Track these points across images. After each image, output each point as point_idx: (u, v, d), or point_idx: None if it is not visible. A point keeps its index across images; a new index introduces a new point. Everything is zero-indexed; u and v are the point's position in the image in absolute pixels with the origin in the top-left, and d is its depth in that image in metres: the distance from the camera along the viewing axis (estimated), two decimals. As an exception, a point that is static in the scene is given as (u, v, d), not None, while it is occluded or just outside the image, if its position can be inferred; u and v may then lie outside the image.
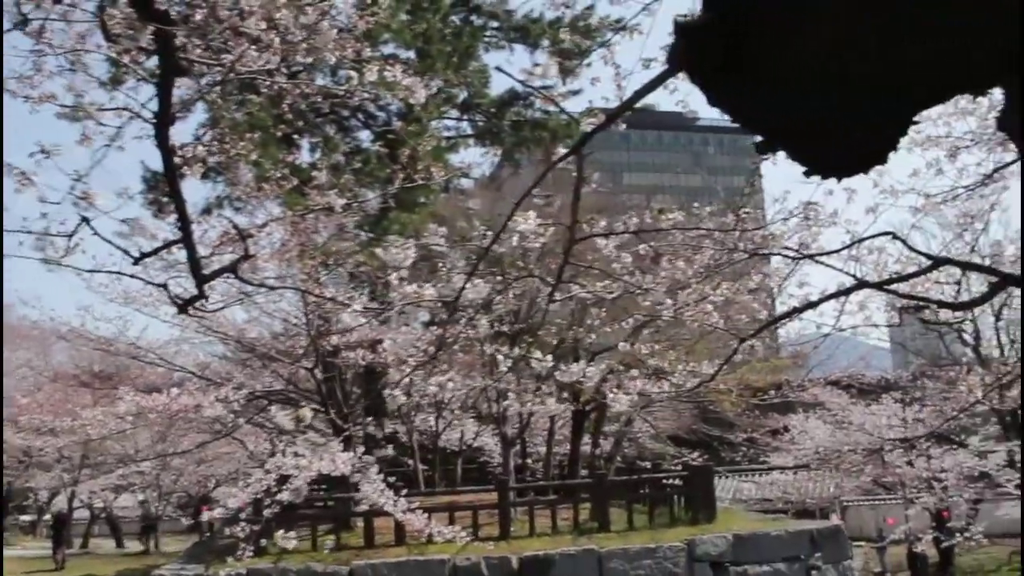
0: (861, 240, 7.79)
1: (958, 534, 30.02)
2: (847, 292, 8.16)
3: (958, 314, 9.42)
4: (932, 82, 1.80)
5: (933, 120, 8.22)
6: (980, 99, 7.08)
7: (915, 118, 2.07)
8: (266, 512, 14.85)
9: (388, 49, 22.49)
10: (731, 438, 32.48)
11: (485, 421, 29.51)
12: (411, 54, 22.86)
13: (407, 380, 21.83)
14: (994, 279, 7.85)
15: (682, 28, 1.90)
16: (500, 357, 15.49)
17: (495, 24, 25.13)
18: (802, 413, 34.09)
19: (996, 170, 7.13)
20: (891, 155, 1.99)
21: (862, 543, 35.66)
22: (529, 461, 29.27)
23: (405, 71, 8.15)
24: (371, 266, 15.94)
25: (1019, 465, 31.70)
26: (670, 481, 19.82)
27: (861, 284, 8.12)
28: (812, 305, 8.14)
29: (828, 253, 7.95)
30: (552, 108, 27.02)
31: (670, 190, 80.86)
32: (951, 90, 1.91)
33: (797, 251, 8.22)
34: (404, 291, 8.12)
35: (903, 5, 1.67)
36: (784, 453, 34.94)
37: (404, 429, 31.22)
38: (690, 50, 1.89)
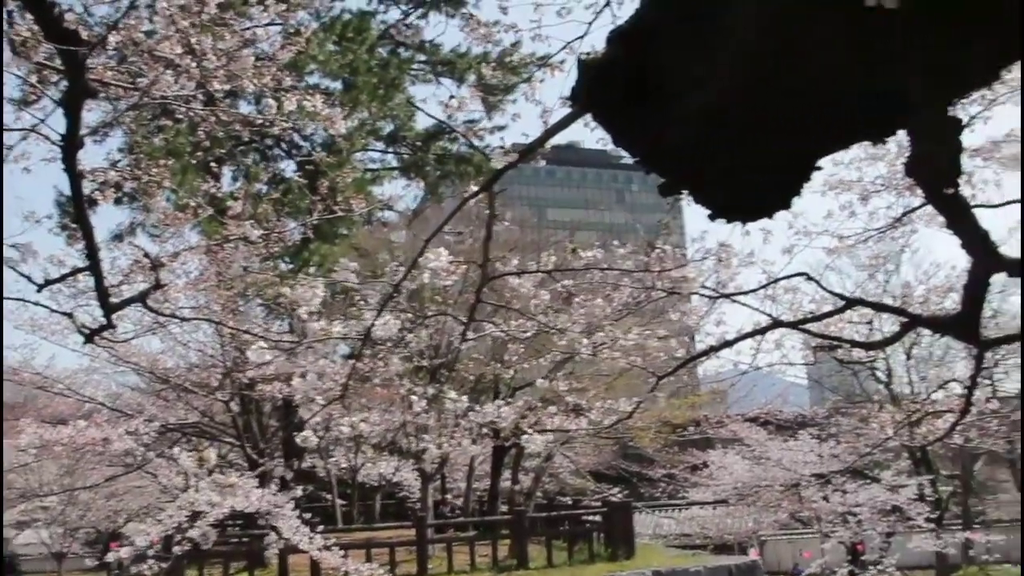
0: (776, 280, 7.90)
1: (872, 567, 30.63)
2: (762, 331, 8.25)
3: (871, 353, 9.63)
4: (832, 128, 1.80)
5: (846, 164, 8.41)
6: (889, 145, 7.26)
7: (821, 164, 2.07)
8: (176, 549, 14.42)
9: (314, 79, 22.35)
10: (650, 474, 32.62)
11: (405, 456, 29.20)
12: (338, 85, 22.74)
13: (324, 415, 21.54)
14: (904, 319, 8.02)
15: (585, 66, 1.87)
16: (416, 394, 15.43)
17: (422, 58, 25.16)
18: (721, 449, 34.45)
19: (905, 214, 7.30)
20: (795, 200, 1.98)
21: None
22: (449, 496, 28.98)
23: (326, 101, 8.08)
24: (287, 298, 15.73)
25: (929, 499, 32.51)
26: (590, 517, 19.78)
27: (776, 324, 8.22)
28: (728, 344, 8.21)
29: (744, 293, 8.04)
30: (477, 143, 27.16)
31: (593, 226, 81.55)
32: (850, 136, 1.92)
33: (714, 290, 8.30)
34: (312, 327, 7.98)
35: (799, 53, 1.66)
36: (703, 488, 35.21)
37: (323, 464, 30.75)
38: (593, 89, 1.86)
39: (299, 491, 20.35)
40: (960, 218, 6.14)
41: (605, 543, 18.41)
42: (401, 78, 23.75)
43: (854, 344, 8.74)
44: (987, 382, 34.20)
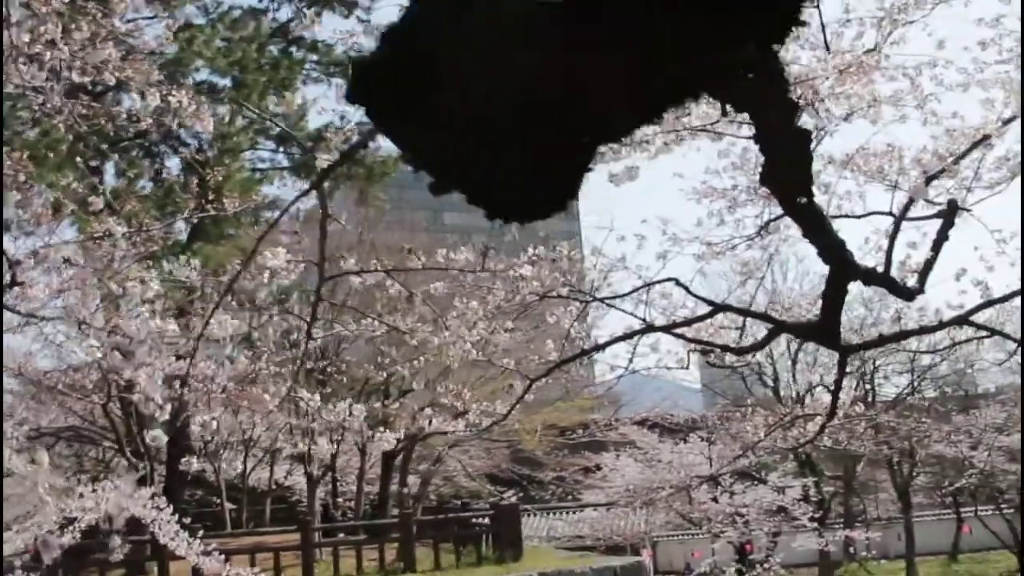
0: (647, 285, 8.01)
1: (759, 565, 31.42)
2: (634, 335, 8.37)
3: (743, 357, 9.84)
4: (596, 127, 1.80)
5: (719, 172, 8.55)
6: (750, 154, 7.42)
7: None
8: (46, 558, 13.87)
9: (203, 76, 21.83)
10: (541, 477, 32.80)
11: (295, 460, 28.80)
12: (227, 82, 22.23)
13: (208, 416, 20.98)
14: (770, 325, 8.23)
15: (357, 65, 1.84)
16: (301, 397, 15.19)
17: (314, 58, 24.80)
18: (614, 451, 34.89)
19: (768, 223, 7.49)
20: (571, 201, 1.98)
21: (671, 576, 36.77)
22: (341, 500, 28.64)
23: (213, 99, 7.90)
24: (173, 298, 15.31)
25: (813, 499, 33.51)
26: (478, 520, 19.77)
27: (648, 328, 8.35)
28: (599, 348, 8.31)
29: (615, 297, 8.13)
30: (370, 144, 26.91)
31: (493, 230, 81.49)
32: (617, 134, 1.93)
33: (588, 294, 8.37)
34: (149, 327, 7.79)
35: (557, 60, 1.66)
36: (596, 490, 35.58)
37: (212, 468, 30.08)
38: (364, 88, 1.83)
39: (156, 491, 19.83)
40: (815, 227, 6.32)
41: (493, 546, 18.43)
42: (293, 78, 23.35)
43: (724, 348, 8.92)
44: (868, 387, 35.51)
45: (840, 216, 8.41)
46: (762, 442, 16.62)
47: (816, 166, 7.95)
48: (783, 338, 31.43)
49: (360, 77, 1.83)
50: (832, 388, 8.96)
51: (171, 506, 16.51)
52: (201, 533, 15.31)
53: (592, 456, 35.78)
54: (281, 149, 27.58)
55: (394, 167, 29.23)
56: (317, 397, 8.93)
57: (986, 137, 7.11)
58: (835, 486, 37.12)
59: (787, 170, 5.14)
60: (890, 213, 7.51)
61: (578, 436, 29.61)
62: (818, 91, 5.44)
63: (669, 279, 7.92)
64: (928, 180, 7.17)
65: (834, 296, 6.97)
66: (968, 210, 7.45)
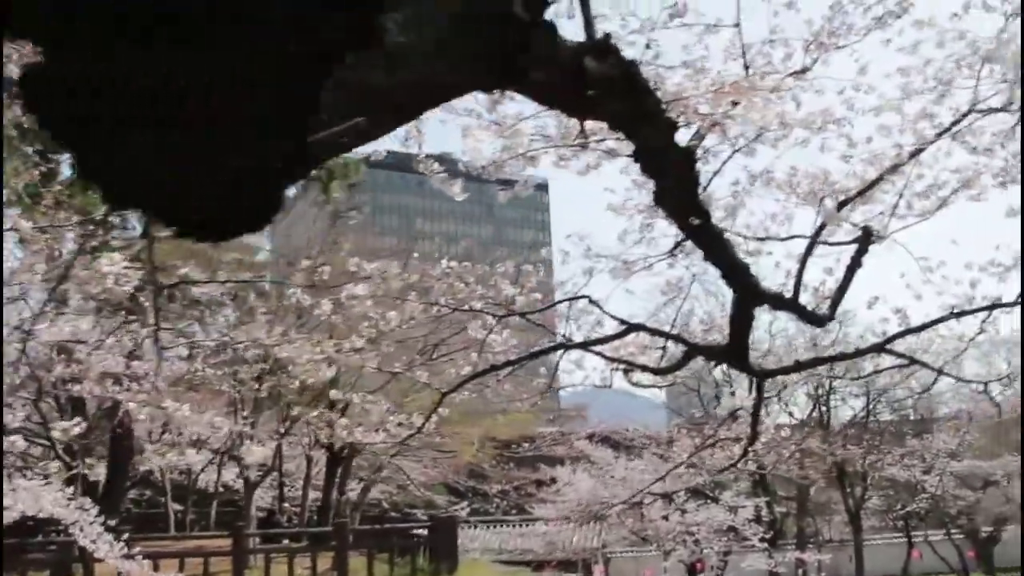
0: (559, 303, 7.86)
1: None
2: (548, 351, 8.23)
3: (661, 378, 9.66)
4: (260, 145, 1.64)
5: (640, 187, 8.41)
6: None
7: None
8: (-38, 558, 13.56)
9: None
10: (486, 489, 32.61)
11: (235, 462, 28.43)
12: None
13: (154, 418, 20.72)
14: (685, 347, 8.11)
15: (26, 74, 1.66)
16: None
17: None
18: (569, 465, 34.72)
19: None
20: (274, 218, 1.82)
21: (624, 595, 36.63)
22: (287, 505, 28.33)
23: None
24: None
25: (765, 519, 33.50)
26: (416, 531, 19.56)
27: (561, 345, 8.20)
28: (512, 363, 8.14)
29: (528, 313, 7.98)
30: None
31: (465, 236, 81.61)
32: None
33: (504, 307, 8.21)
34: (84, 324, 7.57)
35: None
36: (550, 504, 35.38)
37: (158, 469, 29.69)
38: (35, 101, 1.65)
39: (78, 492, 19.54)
40: (714, 249, 6.20)
41: (429, 558, 18.22)
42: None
43: (644, 368, 8.78)
44: (823, 408, 35.58)
45: (766, 238, 8.30)
46: (683, 463, 16.60)
47: (736, 186, 7.88)
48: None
49: (30, 90, 1.65)
50: (751, 412, 8.82)
51: (111, 507, 16.27)
52: (126, 536, 15.07)
53: (547, 469, 35.62)
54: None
55: (356, 169, 29.08)
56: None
57: (897, 167, 7.03)
58: (788, 507, 37.16)
59: (674, 190, 5.01)
60: (817, 239, 7.41)
61: (524, 450, 29.41)
62: (714, 112, 5.31)
63: (581, 296, 7.78)
64: (840, 205, 7.07)
65: (740, 320, 6.86)
66: (882, 237, 7.35)
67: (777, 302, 6.74)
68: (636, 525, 35.10)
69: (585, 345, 8.10)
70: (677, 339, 7.75)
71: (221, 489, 29.34)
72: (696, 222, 5.40)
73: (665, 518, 32.69)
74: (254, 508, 21.30)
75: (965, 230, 11.76)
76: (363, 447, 21.81)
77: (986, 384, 9.85)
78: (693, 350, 7.70)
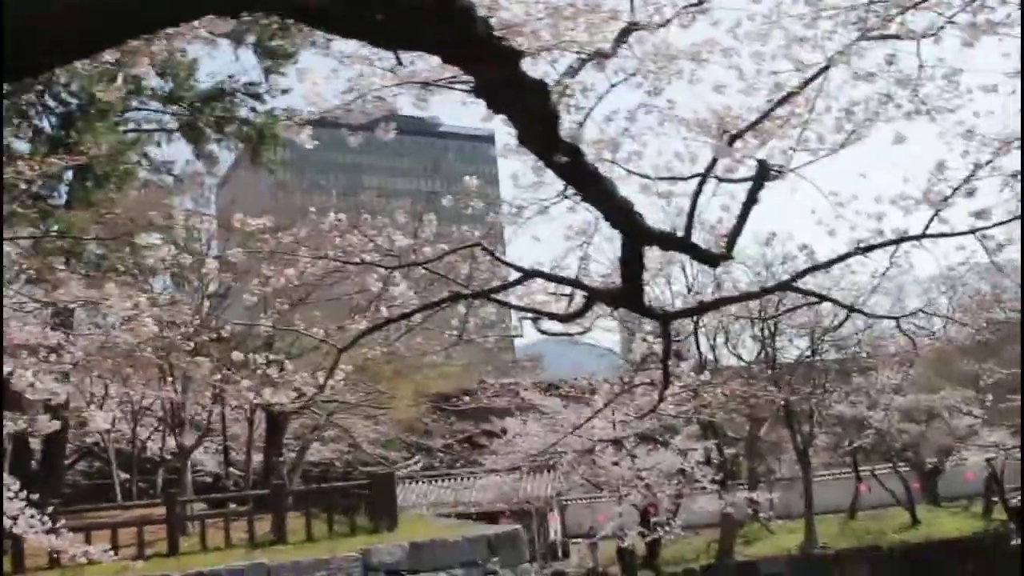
0: (453, 251, 7.59)
1: (660, 528, 31.67)
2: (442, 302, 7.97)
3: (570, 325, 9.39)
4: None
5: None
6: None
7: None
8: None
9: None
10: (430, 444, 32.49)
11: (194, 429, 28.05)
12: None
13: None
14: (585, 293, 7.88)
15: None
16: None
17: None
18: (519, 416, 34.67)
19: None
20: None
21: (579, 540, 36.86)
22: (233, 469, 28.04)
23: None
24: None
25: (715, 461, 33.79)
26: (354, 490, 19.38)
27: (456, 296, 7.95)
28: (406, 315, 7.89)
29: (421, 263, 7.70)
30: (260, 106, 26.06)
31: (411, 194, 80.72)
32: None
33: (396, 258, 7.92)
34: None
35: None
36: (501, 456, 35.39)
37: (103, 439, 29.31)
38: None
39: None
40: (590, 188, 5.94)
41: (369, 516, 18.07)
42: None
43: (551, 316, 8.55)
44: (769, 350, 35.80)
45: (668, 178, 8.06)
46: (600, 411, 16.54)
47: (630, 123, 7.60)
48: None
49: None
50: (661, 357, 8.63)
51: (53, 482, 15.85)
52: (51, 509, 14.71)
53: (498, 421, 35.60)
54: (169, 110, 26.62)
55: (285, 130, 28.40)
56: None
57: (791, 94, 6.80)
58: (739, 448, 37.54)
59: (530, 126, 4.74)
60: (708, 175, 7.17)
61: (465, 403, 29.25)
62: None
63: (475, 244, 7.52)
64: (732, 139, 6.84)
65: (630, 261, 6.63)
66: (780, 172, 7.14)
67: (667, 242, 6.53)
68: (588, 472, 35.30)
69: (483, 294, 7.86)
70: (575, 284, 7.51)
71: (168, 456, 28.97)
72: (563, 160, 5.14)
73: (616, 464, 32.86)
74: (189, 474, 20.98)
75: (878, 164, 11.65)
76: (304, 408, 21.55)
77: (897, 320, 9.73)
78: (592, 295, 7.48)
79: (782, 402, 33.52)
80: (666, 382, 9.11)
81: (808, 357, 36.27)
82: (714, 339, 36.36)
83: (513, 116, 4.67)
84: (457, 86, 4.78)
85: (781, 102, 6.83)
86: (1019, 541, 27.93)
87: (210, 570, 15.33)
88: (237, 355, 9.09)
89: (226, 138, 25.17)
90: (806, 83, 6.81)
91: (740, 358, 37.54)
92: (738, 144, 7.99)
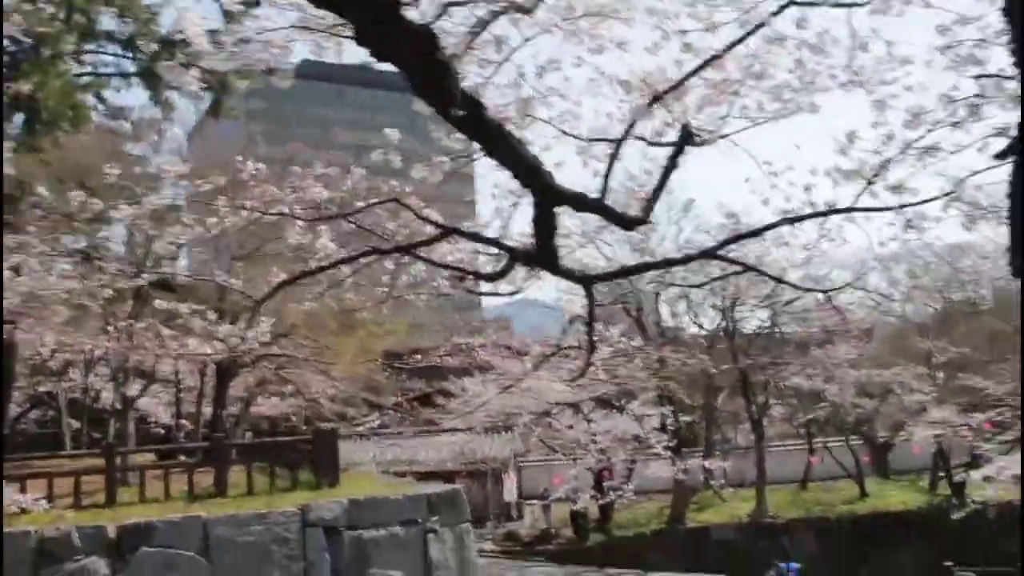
0: (369, 206, 7.47)
1: (614, 492, 31.95)
2: (357, 257, 7.86)
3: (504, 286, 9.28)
4: None
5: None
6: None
7: None
8: None
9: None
10: (380, 402, 32.47)
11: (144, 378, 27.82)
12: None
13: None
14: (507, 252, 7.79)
15: None
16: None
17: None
18: (478, 377, 34.71)
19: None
20: None
21: (534, 501, 37.07)
22: (185, 421, 27.88)
23: None
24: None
25: (670, 428, 33.99)
26: (298, 445, 19.31)
27: (373, 251, 7.84)
28: (322, 269, 7.77)
29: (337, 216, 7.58)
30: (220, 55, 25.58)
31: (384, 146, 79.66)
32: None
33: (316, 211, 7.80)
34: None
35: None
36: (458, 416, 35.46)
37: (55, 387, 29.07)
38: None
39: None
40: (497, 144, 5.82)
41: (312, 472, 18.01)
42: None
43: (476, 276, 8.48)
44: (729, 320, 35.93)
45: (595, 139, 7.95)
46: (530, 373, 16.54)
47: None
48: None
49: None
50: (586, 321, 8.58)
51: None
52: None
53: (457, 381, 35.62)
54: (129, 54, 26.08)
55: (250, 77, 27.98)
56: None
57: (714, 58, 6.70)
58: (694, 415, 37.80)
59: (418, 74, 4.60)
60: (627, 137, 7.07)
61: (415, 362, 29.21)
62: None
63: (391, 200, 7.39)
64: (652, 100, 6.74)
65: (542, 221, 6.55)
66: (701, 137, 7.05)
67: (579, 203, 6.43)
68: (544, 434, 35.51)
69: (402, 250, 7.75)
70: (492, 243, 7.42)
71: (119, 407, 28.75)
72: (460, 113, 5.02)
73: (571, 427, 33.06)
74: (132, 425, 20.82)
75: (813, 135, 11.60)
76: (253, 361, 21.45)
77: (827, 293, 9.70)
78: (511, 255, 7.40)
79: (739, 372, 33.77)
80: (591, 346, 9.07)
81: (767, 329, 36.52)
82: (676, 308, 36.47)
83: (401, 65, 4.53)
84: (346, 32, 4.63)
85: (704, 65, 6.73)
86: (960, 515, 28.36)
87: (145, 522, 15.19)
88: (161, 303, 8.95)
89: (185, 85, 24.72)
90: (730, 47, 6.71)
91: (701, 327, 37.78)
92: (677, 109, 7.93)
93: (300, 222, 7.61)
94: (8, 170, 18.18)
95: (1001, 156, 5.76)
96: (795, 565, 28.98)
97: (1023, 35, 4.68)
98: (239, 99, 25.27)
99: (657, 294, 34.28)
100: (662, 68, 7.77)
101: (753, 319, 37.51)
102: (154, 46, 24.69)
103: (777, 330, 36.70)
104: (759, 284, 31.91)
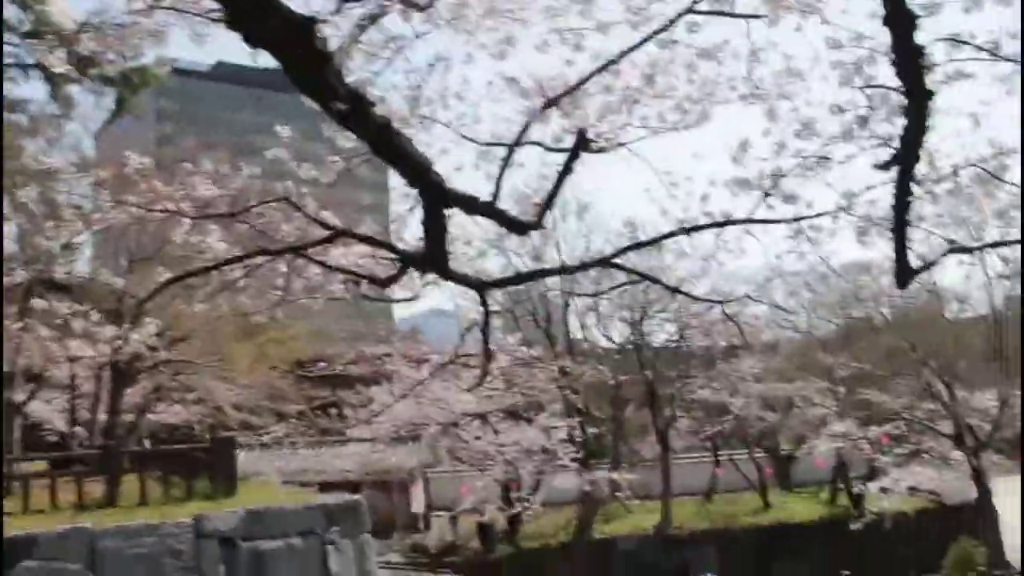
0: (255, 205, 7.24)
1: (522, 503, 31.88)
2: (243, 257, 7.62)
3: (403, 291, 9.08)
4: None
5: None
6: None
7: None
8: None
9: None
10: (284, 410, 31.88)
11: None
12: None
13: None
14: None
15: None
16: None
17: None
18: (386, 385, 34.27)
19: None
20: None
21: (442, 513, 36.74)
22: (81, 428, 26.88)
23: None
24: None
25: (578, 440, 34.07)
26: (194, 454, 18.78)
27: (261, 251, 7.61)
28: (207, 269, 7.50)
29: (229, 215, 7.33)
30: (127, 54, 24.93)
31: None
32: None
33: (203, 208, 7.52)
34: None
35: None
36: (366, 425, 34.94)
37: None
38: None
39: None
40: (382, 142, 5.67)
41: (208, 480, 17.52)
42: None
43: (369, 280, 8.28)
44: (639, 333, 36.24)
45: (494, 144, 7.86)
46: (420, 384, 16.42)
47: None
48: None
49: None
50: (483, 329, 8.44)
51: None
52: None
53: (364, 390, 35.13)
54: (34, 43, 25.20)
55: (154, 78, 27.32)
56: None
57: (611, 63, 6.67)
58: (602, 427, 37.95)
59: (294, 65, 4.44)
60: (520, 142, 6.98)
61: (318, 370, 28.74)
62: None
63: (281, 199, 7.18)
64: (546, 105, 6.67)
65: (432, 224, 6.41)
66: (599, 144, 7.01)
67: (469, 205, 6.31)
68: (452, 445, 35.26)
69: (292, 250, 7.54)
70: (383, 245, 7.27)
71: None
72: (341, 107, 4.86)
73: (478, 438, 32.88)
74: (17, 431, 19.99)
75: (715, 146, 11.69)
76: (148, 366, 20.81)
77: (721, 303, 9.79)
78: (402, 258, 7.24)
79: (646, 384, 34.08)
80: (487, 354, 8.95)
81: (675, 342, 36.95)
82: (584, 319, 36.66)
83: (276, 53, 4.36)
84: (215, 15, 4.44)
85: (599, 71, 6.70)
86: (858, 525, 29.03)
87: (26, 533, 14.56)
88: (39, 303, 8.56)
89: (87, 80, 24.01)
90: (625, 53, 6.68)
91: (611, 339, 38.01)
92: (578, 115, 7.89)
93: (188, 221, 7.32)
94: None
95: (884, 167, 5.83)
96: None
97: None
98: (152, 98, 24.63)
99: (566, 305, 34.44)
100: (563, 74, 7.77)
101: (661, 332, 37.95)
102: (52, 38, 24.10)
103: (684, 343, 37.14)
104: (666, 297, 32.35)
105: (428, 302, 57.08)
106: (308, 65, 4.44)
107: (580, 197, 33.40)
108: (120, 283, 7.50)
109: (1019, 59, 5.80)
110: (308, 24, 4.26)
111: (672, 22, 6.81)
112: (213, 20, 4.32)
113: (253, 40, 4.20)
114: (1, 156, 5.71)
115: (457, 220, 8.60)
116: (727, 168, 8.92)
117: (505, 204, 7.91)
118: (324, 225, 7.15)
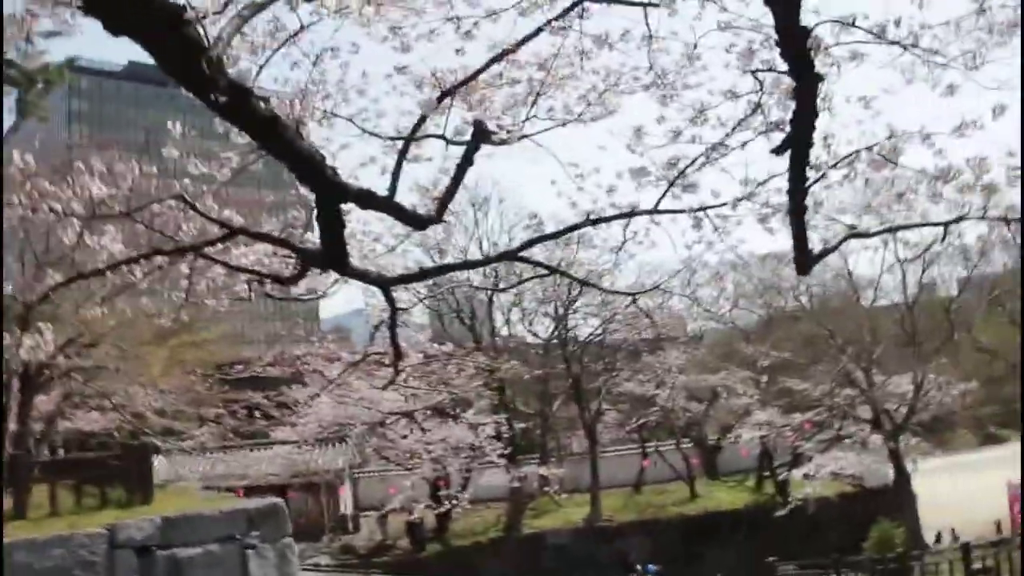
0: (152, 203, 7.02)
1: (450, 501, 31.75)
2: (138, 259, 7.39)
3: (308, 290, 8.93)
4: None
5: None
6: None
7: None
8: None
9: None
10: (203, 413, 31.24)
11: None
12: None
13: None
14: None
15: None
16: None
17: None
18: (309, 387, 33.83)
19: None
20: None
21: (371, 513, 36.45)
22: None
23: None
24: None
25: (505, 436, 34.08)
26: (108, 461, 18.28)
27: (156, 252, 7.39)
28: (100, 272, 7.26)
29: (123, 215, 7.09)
30: (32, 51, 24.18)
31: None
32: None
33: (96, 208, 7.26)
34: None
35: None
36: (291, 427, 34.50)
37: None
38: None
39: None
40: (268, 136, 5.51)
41: (123, 489, 17.07)
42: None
43: (272, 279, 8.10)
44: (564, 328, 36.37)
45: (397, 138, 7.73)
46: (335, 382, 16.29)
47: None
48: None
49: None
50: (389, 326, 8.33)
51: None
52: None
53: (288, 392, 34.63)
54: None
55: (59, 76, 26.54)
56: None
57: (506, 52, 6.60)
58: (531, 423, 38.03)
59: (166, 55, 4.28)
60: (416, 135, 6.88)
61: (237, 372, 28.25)
62: None
63: (175, 196, 6.96)
64: (441, 97, 6.58)
65: (327, 219, 6.27)
66: (491, 134, 6.93)
67: (365, 200, 6.18)
68: (379, 445, 35.00)
69: (188, 250, 7.32)
70: (280, 243, 7.10)
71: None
72: (222, 99, 4.70)
73: (405, 437, 32.67)
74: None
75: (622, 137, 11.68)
76: (60, 372, 20.21)
77: (634, 296, 9.80)
78: (300, 256, 7.09)
79: (572, 379, 34.21)
80: (396, 352, 8.83)
81: (599, 336, 37.14)
82: (509, 315, 36.67)
83: (144, 43, 4.19)
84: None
85: (493, 61, 6.62)
86: (783, 512, 29.55)
87: (-72, 550, 14.01)
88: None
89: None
90: (521, 42, 6.61)
91: (536, 335, 38.08)
92: (479, 108, 7.79)
93: (77, 222, 7.06)
94: None
95: (777, 151, 5.86)
96: (652, 567, 29.66)
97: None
98: (63, 98, 23.91)
99: (490, 300, 34.42)
100: (461, 65, 7.68)
101: (586, 327, 38.15)
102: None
103: (609, 337, 37.38)
104: (590, 293, 32.50)
105: (353, 302, 56.56)
106: (179, 53, 4.27)
107: (501, 192, 33.44)
108: (8, 288, 7.23)
109: (906, 43, 5.87)
110: (175, 8, 4.11)
111: (567, 11, 6.75)
112: (66, 5, 4.12)
113: (115, 27, 4.02)
114: (1, 160, 5.44)
115: (363, 216, 8.51)
116: (634, 159, 8.93)
117: (411, 199, 7.85)
118: (221, 224, 6.95)
